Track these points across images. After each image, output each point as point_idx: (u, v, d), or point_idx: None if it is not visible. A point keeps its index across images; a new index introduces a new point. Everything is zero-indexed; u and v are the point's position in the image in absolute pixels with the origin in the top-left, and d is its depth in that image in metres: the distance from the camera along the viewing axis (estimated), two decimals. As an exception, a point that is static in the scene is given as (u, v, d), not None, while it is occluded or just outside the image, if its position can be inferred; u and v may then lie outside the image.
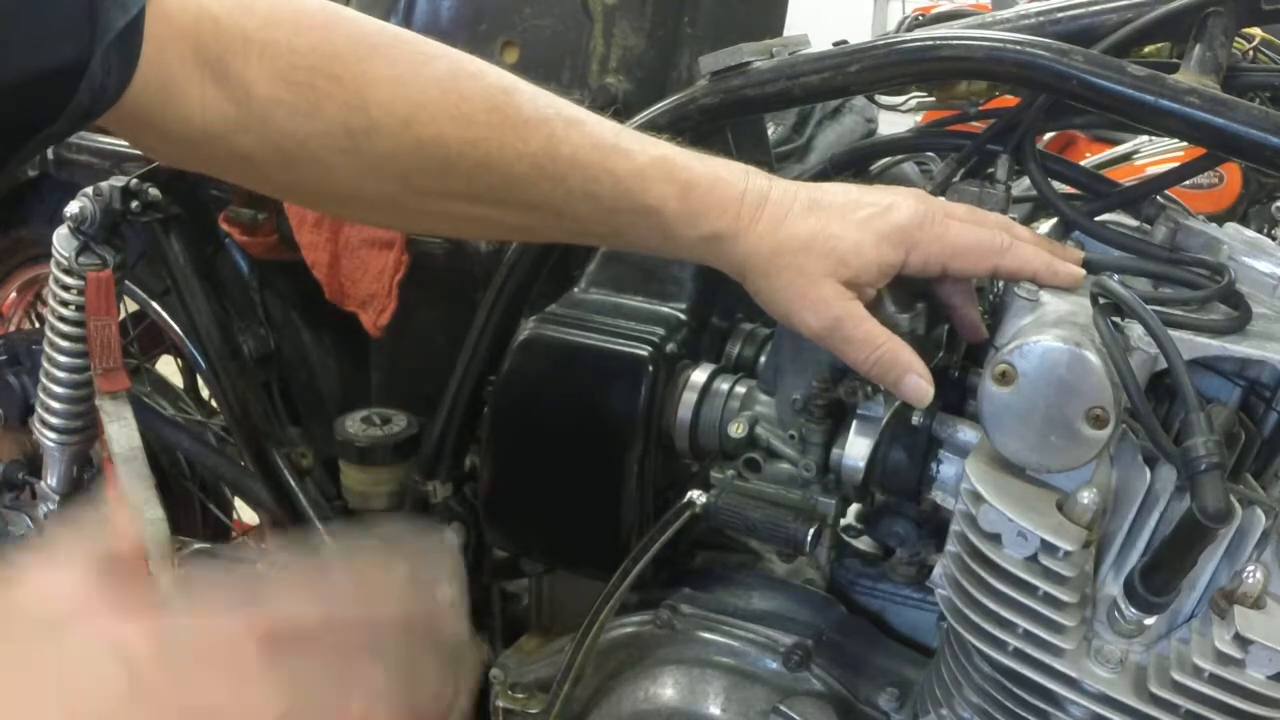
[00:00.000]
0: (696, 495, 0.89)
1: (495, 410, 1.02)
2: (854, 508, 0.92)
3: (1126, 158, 2.92)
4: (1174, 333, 0.68)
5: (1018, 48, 0.80)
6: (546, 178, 0.73)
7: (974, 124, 0.95)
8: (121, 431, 1.37)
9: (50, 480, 1.59)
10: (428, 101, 0.69)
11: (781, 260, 0.76)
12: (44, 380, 1.48)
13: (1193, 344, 0.70)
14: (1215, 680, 0.66)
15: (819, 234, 0.75)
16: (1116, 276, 0.76)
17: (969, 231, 0.77)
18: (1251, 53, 0.88)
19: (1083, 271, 0.78)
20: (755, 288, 0.79)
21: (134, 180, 1.27)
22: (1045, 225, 0.89)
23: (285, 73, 0.66)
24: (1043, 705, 0.72)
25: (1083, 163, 1.35)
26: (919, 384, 0.76)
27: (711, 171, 0.77)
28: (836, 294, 0.75)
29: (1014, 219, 0.98)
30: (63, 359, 1.45)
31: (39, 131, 0.62)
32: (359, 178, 0.70)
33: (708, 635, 0.94)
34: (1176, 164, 0.90)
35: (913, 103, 1.04)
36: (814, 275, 0.75)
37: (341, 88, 0.67)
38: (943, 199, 0.80)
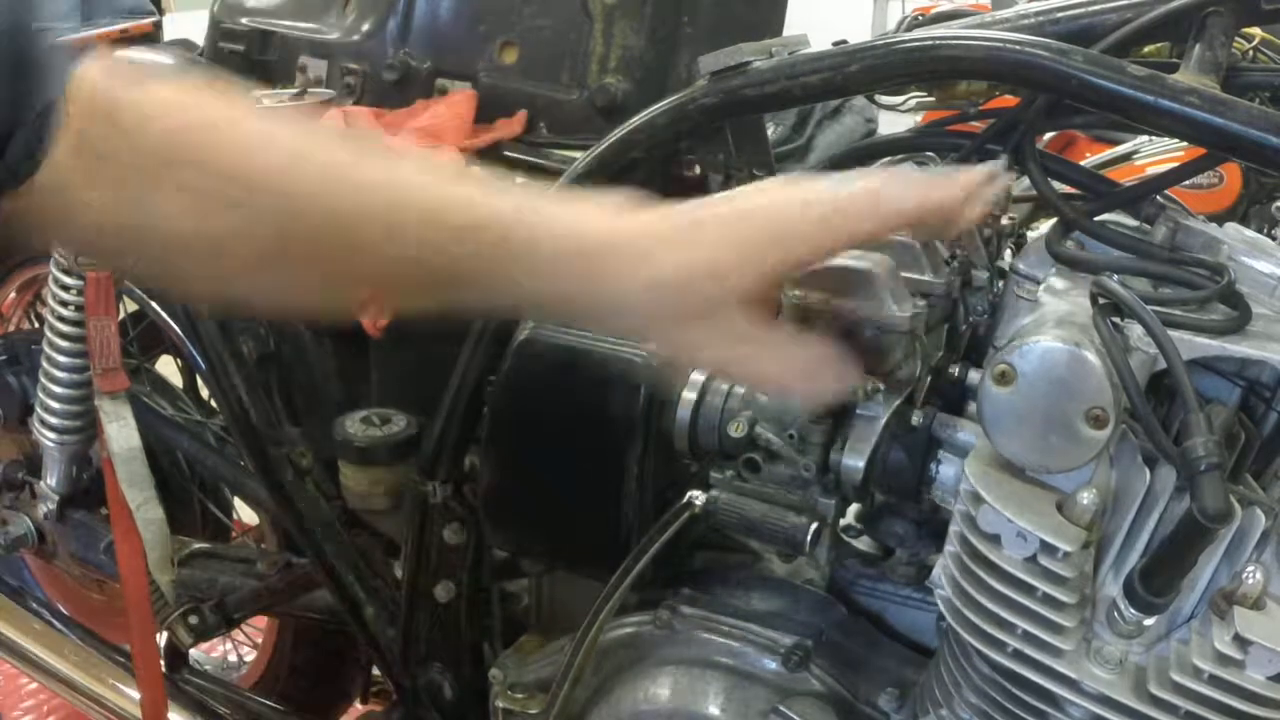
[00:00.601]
0: (696, 495, 0.89)
1: (495, 410, 1.02)
2: (854, 508, 0.92)
3: (1126, 158, 2.92)
4: (1174, 333, 0.68)
5: (1017, 48, 0.80)
6: (389, 244, 0.67)
7: (974, 124, 0.95)
8: (121, 431, 1.37)
9: (50, 480, 1.59)
10: (270, 171, 0.65)
11: (642, 310, 0.68)
12: (43, 380, 1.48)
13: (1193, 344, 0.70)
14: (1215, 681, 0.66)
15: (679, 271, 0.67)
16: (1116, 276, 0.76)
17: (835, 220, 0.69)
18: (1251, 53, 0.88)
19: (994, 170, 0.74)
20: (633, 337, 0.75)
21: (134, 180, 1.27)
22: (1045, 225, 0.89)
23: (149, 149, 0.62)
24: (1042, 706, 0.72)
25: (1083, 163, 1.36)
26: (825, 392, 0.74)
27: (546, 227, 0.68)
28: (710, 328, 0.69)
29: (1012, 217, 0.99)
30: (62, 359, 1.45)
31: None
32: (204, 260, 0.66)
33: (708, 635, 0.94)
34: (1176, 164, 0.90)
35: (913, 103, 1.04)
36: (681, 318, 0.69)
37: (204, 159, 0.63)
38: (810, 182, 0.71)
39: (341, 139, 0.69)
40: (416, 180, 0.69)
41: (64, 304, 1.42)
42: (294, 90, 1.32)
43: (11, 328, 1.84)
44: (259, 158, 0.65)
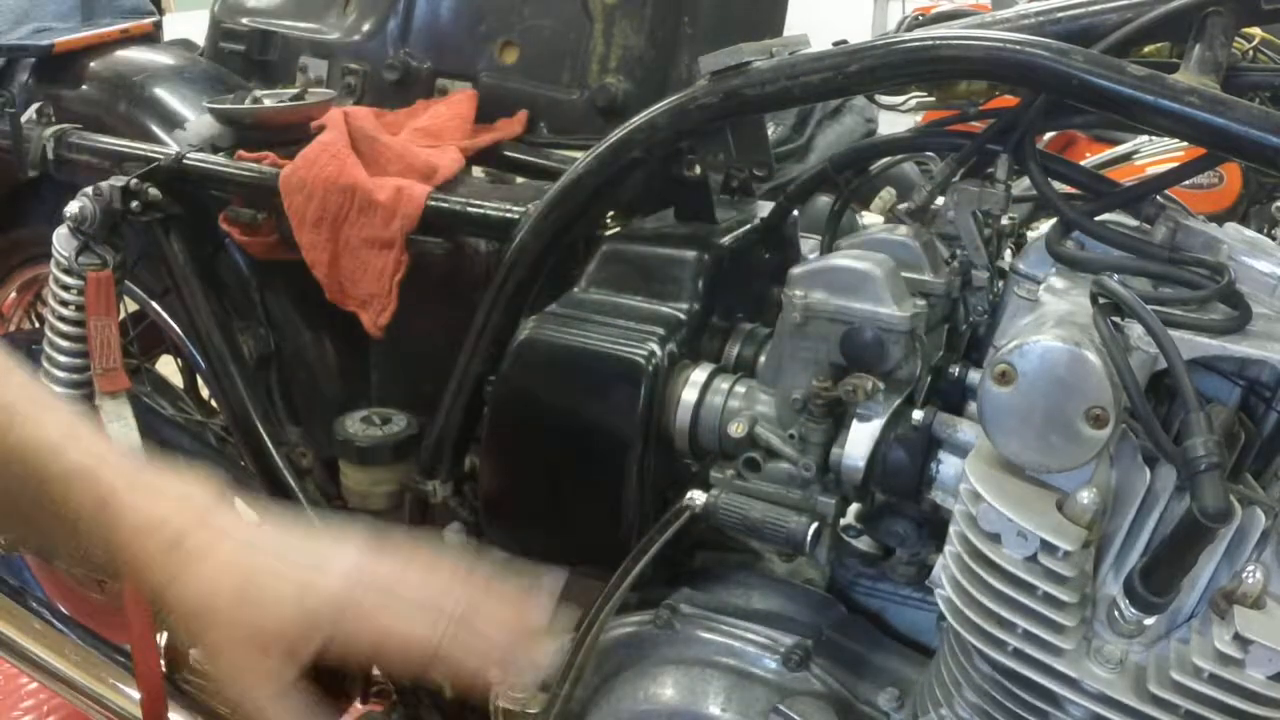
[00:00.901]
0: (696, 495, 0.90)
1: (495, 410, 1.02)
2: (854, 507, 0.92)
3: (1126, 158, 2.92)
4: (1174, 333, 0.68)
5: (1017, 48, 0.80)
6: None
7: (974, 124, 0.95)
8: (121, 431, 1.37)
9: (50, 480, 1.59)
10: None
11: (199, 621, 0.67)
12: (44, 380, 1.48)
13: (1193, 344, 0.70)
14: (1215, 680, 0.66)
15: (261, 599, 0.66)
16: (1116, 276, 0.76)
17: (403, 624, 0.67)
18: (1251, 53, 0.88)
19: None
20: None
21: (134, 180, 1.27)
22: (1045, 225, 0.89)
23: None
24: (1042, 705, 0.72)
25: (1083, 163, 1.35)
26: None
27: (138, 493, 0.67)
28: (251, 674, 0.66)
29: (1012, 217, 0.99)
30: (63, 359, 1.45)
31: None
32: None
33: (708, 635, 0.94)
34: (1176, 164, 0.90)
35: (913, 103, 1.04)
36: (237, 647, 0.66)
37: None
38: (389, 562, 0.69)
39: None
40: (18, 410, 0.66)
41: (64, 304, 1.41)
42: (294, 90, 1.32)
43: (11, 328, 1.84)
44: None
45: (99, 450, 0.67)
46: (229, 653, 0.66)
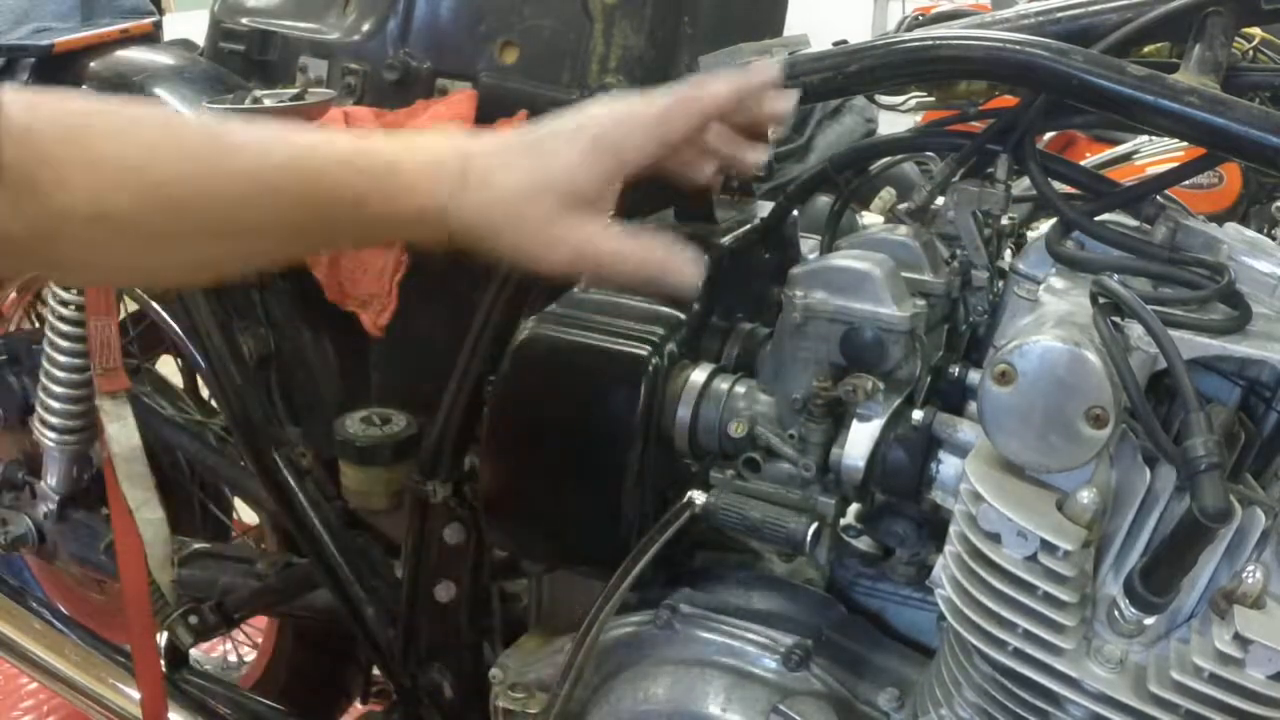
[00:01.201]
0: (696, 495, 0.89)
1: (495, 410, 1.02)
2: (854, 508, 0.92)
3: (1126, 158, 2.92)
4: (1174, 333, 0.68)
5: (1017, 48, 0.80)
6: (263, 194, 0.72)
7: (974, 124, 0.95)
8: (121, 431, 1.37)
9: (50, 480, 1.59)
10: (153, 145, 0.69)
11: (505, 214, 0.76)
12: (44, 380, 1.48)
13: (1193, 344, 0.70)
14: (1215, 680, 0.66)
15: (533, 175, 0.76)
16: (1116, 276, 0.76)
17: (662, 108, 0.79)
18: (1251, 53, 0.88)
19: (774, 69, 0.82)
20: (491, 248, 0.78)
21: (134, 180, 1.27)
22: (1045, 225, 0.89)
23: (41, 152, 0.65)
24: (1043, 705, 0.72)
25: (1083, 163, 1.35)
26: (684, 276, 0.78)
27: (406, 150, 0.77)
28: (570, 228, 0.76)
29: (1012, 217, 0.99)
30: (63, 359, 1.45)
31: None
32: (109, 238, 0.69)
33: (708, 635, 0.94)
34: (1176, 164, 0.90)
35: (913, 103, 1.04)
36: (542, 218, 0.76)
37: (80, 150, 0.66)
38: (634, 96, 0.81)
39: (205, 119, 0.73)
40: (275, 133, 0.74)
41: (64, 304, 1.42)
42: (294, 90, 1.32)
43: (11, 328, 1.84)
44: (127, 141, 0.68)
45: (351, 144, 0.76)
46: (536, 225, 0.76)
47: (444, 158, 0.77)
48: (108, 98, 0.73)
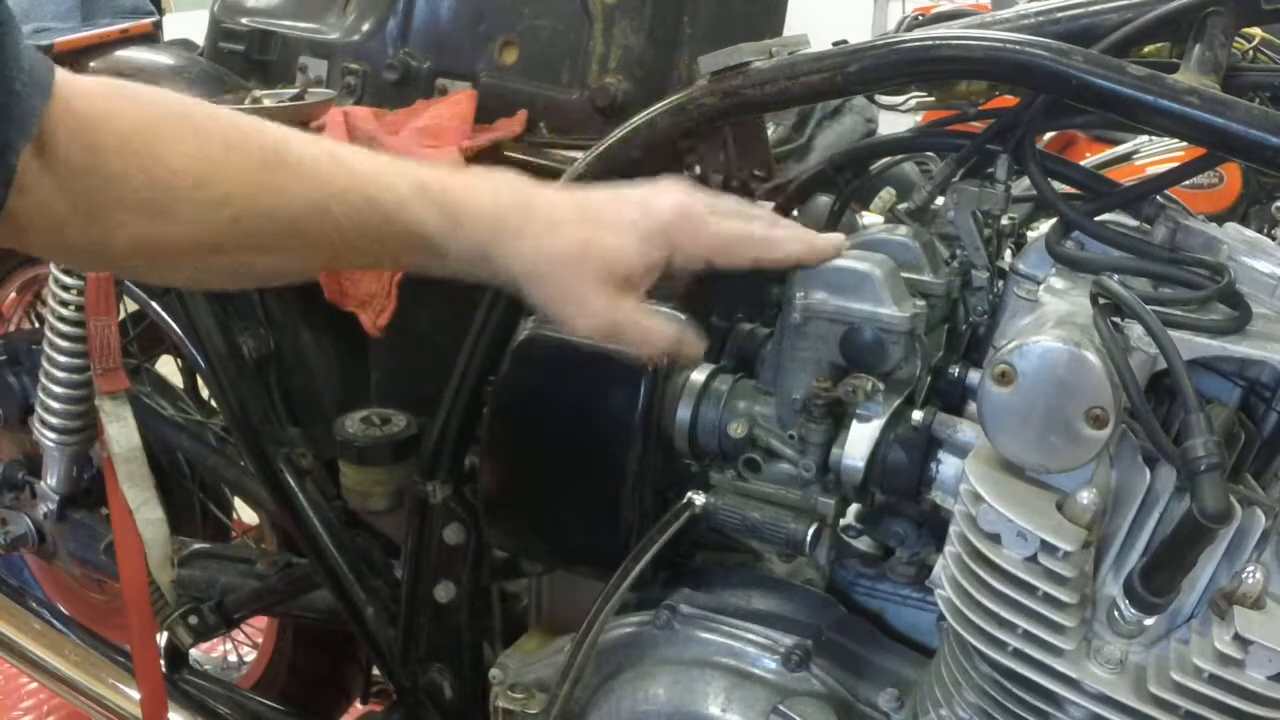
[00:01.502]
0: (696, 495, 0.90)
1: (495, 410, 1.02)
2: (854, 508, 0.92)
3: (1126, 158, 2.92)
4: (1174, 333, 0.68)
5: (1017, 48, 0.80)
6: (320, 216, 0.74)
7: (974, 124, 0.95)
8: (121, 431, 1.37)
9: (50, 480, 1.59)
10: (216, 161, 0.70)
11: (555, 268, 0.79)
12: (44, 380, 1.48)
13: (1193, 344, 0.70)
14: (1215, 681, 0.66)
15: (587, 244, 0.79)
16: (1116, 276, 0.76)
17: (727, 227, 0.83)
18: (1251, 53, 0.88)
19: (841, 237, 0.87)
20: (530, 297, 0.82)
21: (134, 180, 1.27)
22: (1045, 225, 0.89)
23: (98, 142, 0.66)
24: (1042, 705, 0.72)
25: (1083, 163, 1.35)
26: (693, 352, 0.87)
27: (472, 190, 0.80)
28: (609, 301, 0.79)
29: (1012, 217, 0.99)
30: (62, 359, 1.45)
31: None
32: (160, 238, 0.70)
33: (708, 635, 0.94)
34: (1176, 164, 0.90)
35: (913, 103, 1.04)
36: (586, 285, 0.79)
37: (144, 154, 0.67)
38: (705, 194, 0.85)
39: (266, 129, 0.74)
40: (340, 157, 0.77)
41: (64, 304, 1.42)
42: (294, 90, 1.32)
43: (11, 328, 1.84)
44: (192, 154, 0.69)
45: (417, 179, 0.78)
46: (578, 290, 0.79)
47: (505, 208, 0.79)
48: (180, 98, 0.73)
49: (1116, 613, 0.70)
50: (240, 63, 1.42)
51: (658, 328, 0.82)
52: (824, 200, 1.11)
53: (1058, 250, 0.82)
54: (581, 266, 0.79)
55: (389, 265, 0.89)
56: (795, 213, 1.10)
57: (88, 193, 0.66)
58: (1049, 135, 2.67)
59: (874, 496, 0.89)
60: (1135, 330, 0.69)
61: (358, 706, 1.75)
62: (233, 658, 1.95)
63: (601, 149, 0.98)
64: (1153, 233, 0.81)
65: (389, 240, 0.78)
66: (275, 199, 0.72)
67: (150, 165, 0.67)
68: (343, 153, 0.78)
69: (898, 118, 1.18)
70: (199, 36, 1.50)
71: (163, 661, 1.48)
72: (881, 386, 0.84)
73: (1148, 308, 0.68)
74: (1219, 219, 0.85)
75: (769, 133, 1.17)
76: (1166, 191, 0.85)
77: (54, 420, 1.50)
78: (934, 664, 0.84)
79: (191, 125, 0.70)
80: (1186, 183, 1.00)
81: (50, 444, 1.53)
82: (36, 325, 1.81)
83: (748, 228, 0.84)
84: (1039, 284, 0.82)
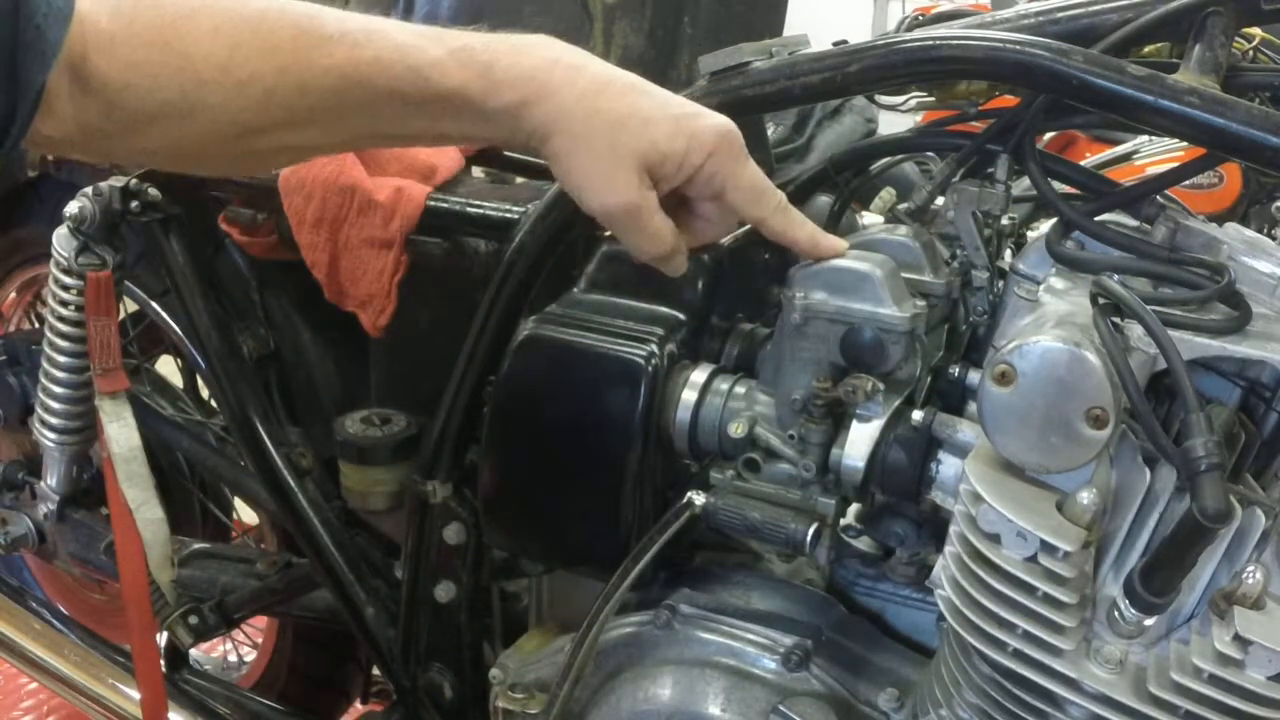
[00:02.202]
0: (696, 495, 0.89)
1: (495, 410, 1.02)
2: (854, 508, 0.92)
3: (1126, 158, 2.92)
4: (1174, 333, 0.68)
5: (1017, 48, 0.80)
6: (354, 85, 0.74)
7: (974, 124, 0.95)
8: (121, 431, 1.37)
9: (50, 480, 1.59)
10: (241, 43, 0.71)
11: (593, 129, 0.77)
12: (44, 380, 1.48)
13: (1193, 344, 0.70)
14: (1215, 681, 0.66)
15: (636, 114, 0.77)
16: (1116, 276, 0.76)
17: (759, 176, 0.83)
18: (1251, 53, 0.88)
19: (844, 245, 0.86)
20: (556, 151, 0.79)
21: (133, 180, 1.27)
22: (1045, 225, 0.89)
23: (129, 57, 0.68)
24: (1042, 706, 0.72)
25: (1083, 163, 1.35)
26: (677, 269, 0.87)
27: (517, 46, 0.79)
28: (639, 180, 0.78)
29: (1012, 217, 0.99)
30: (62, 359, 1.45)
31: None
32: (200, 132, 0.72)
33: (708, 635, 0.94)
34: (1176, 164, 0.90)
35: (913, 103, 1.04)
36: (623, 155, 0.77)
37: (172, 54, 0.69)
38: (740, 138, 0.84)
39: (296, 7, 0.75)
40: (369, 26, 0.76)
41: (64, 304, 1.41)
42: (294, 90, 1.32)
43: (11, 328, 1.84)
44: (218, 40, 0.70)
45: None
46: (608, 160, 0.77)
47: (554, 60, 0.78)
48: None
49: (1116, 613, 0.70)
50: (240, 63, 1.42)
51: (668, 230, 0.81)
52: (824, 200, 1.11)
53: (1058, 250, 0.82)
54: (618, 136, 0.77)
55: (431, 138, 0.87)
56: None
57: (125, 106, 0.68)
58: (1049, 135, 2.67)
59: (874, 496, 0.89)
60: (1135, 330, 0.69)
61: (358, 706, 1.75)
62: (233, 658, 1.95)
63: (601, 149, 0.98)
64: (1153, 233, 0.81)
65: (430, 105, 0.77)
66: (307, 72, 0.72)
67: (181, 66, 0.69)
68: (376, 24, 0.77)
69: (898, 118, 1.18)
70: (199, 36, 1.49)
71: (163, 661, 1.48)
72: (881, 386, 0.84)
73: (1148, 308, 0.68)
74: (1219, 219, 0.85)
75: (769, 133, 1.18)
76: (1166, 191, 0.85)
77: (54, 420, 1.50)
78: (934, 664, 0.84)
79: (213, 17, 0.71)
80: (1186, 183, 1.00)
81: (50, 444, 1.53)
82: (36, 325, 1.81)
83: (772, 189, 0.84)
84: (1039, 284, 0.82)
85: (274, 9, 0.74)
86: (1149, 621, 0.70)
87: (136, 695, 1.49)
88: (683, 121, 0.79)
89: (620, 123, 0.77)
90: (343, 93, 0.74)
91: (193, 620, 1.43)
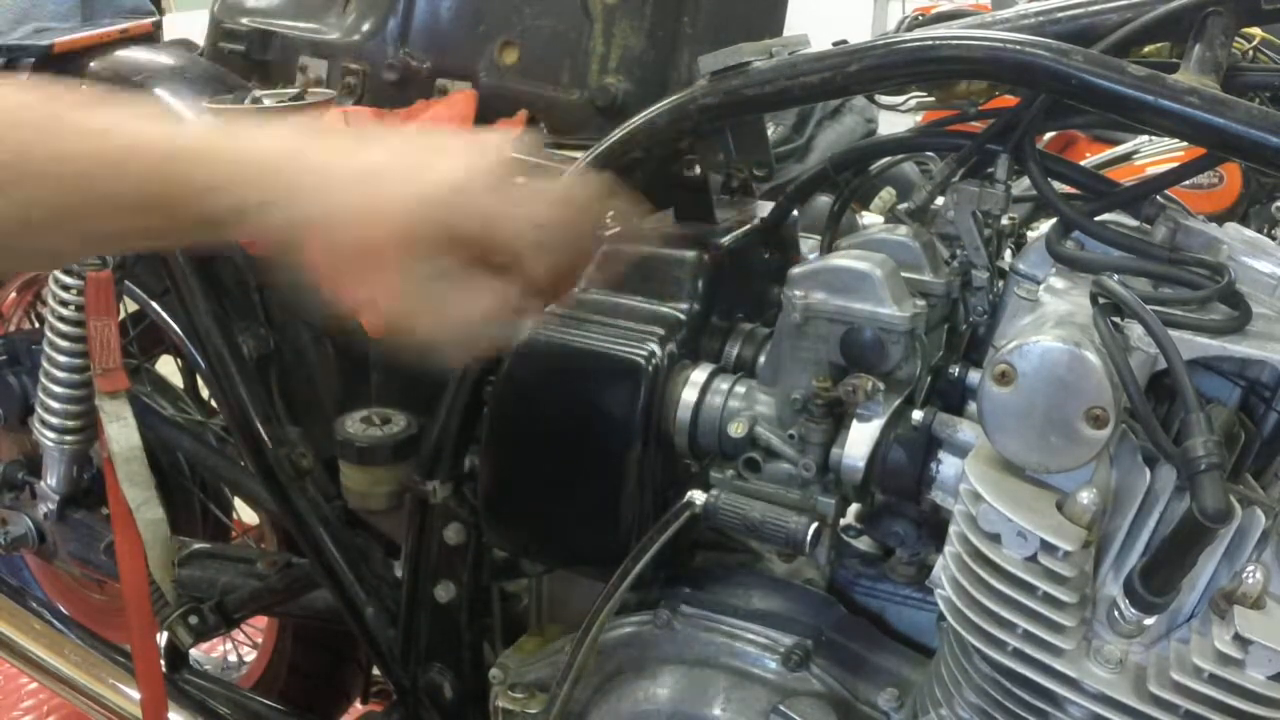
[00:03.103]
0: (696, 495, 0.90)
1: (495, 410, 1.02)
2: (854, 508, 0.92)
3: (1126, 158, 2.92)
4: (1174, 333, 0.68)
5: (1017, 48, 0.80)
6: (104, 173, 0.68)
7: (974, 124, 0.95)
8: (121, 431, 1.37)
9: (50, 480, 1.59)
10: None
11: (313, 236, 0.71)
12: (44, 380, 1.48)
13: (1193, 344, 0.70)
14: (1215, 680, 0.66)
15: (361, 211, 0.70)
16: (1116, 276, 0.76)
17: (508, 208, 0.73)
18: (1251, 53, 0.88)
19: None
20: (291, 265, 0.73)
21: (134, 180, 1.27)
22: (1045, 225, 0.89)
23: None
24: (1042, 705, 0.72)
25: (1083, 163, 1.35)
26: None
27: (252, 143, 0.72)
28: (367, 275, 0.71)
29: (1012, 217, 0.99)
30: (62, 359, 1.45)
31: None
32: None
33: (708, 635, 0.94)
34: (1176, 164, 0.90)
35: (913, 103, 1.04)
36: (347, 255, 0.71)
37: None
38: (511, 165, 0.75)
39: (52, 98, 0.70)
40: (126, 115, 0.70)
41: (64, 304, 1.42)
42: (294, 90, 1.32)
43: (11, 328, 1.84)
44: None
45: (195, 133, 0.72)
46: (344, 261, 0.71)
47: (280, 163, 0.71)
48: None
49: (1116, 612, 0.70)
50: (240, 63, 1.42)
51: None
52: (824, 200, 1.11)
53: (1058, 250, 0.82)
54: (351, 230, 0.70)
55: (189, 235, 0.81)
56: (795, 213, 1.10)
57: None
58: (1049, 135, 2.68)
59: (874, 496, 0.89)
60: (1135, 330, 0.69)
61: (358, 706, 1.75)
62: (233, 658, 1.95)
63: (601, 149, 0.98)
64: (1153, 233, 0.81)
65: (177, 207, 0.69)
66: (52, 155, 0.67)
67: None
68: (134, 114, 0.71)
69: (898, 118, 1.18)
70: (199, 36, 1.50)
71: (163, 661, 1.48)
72: (881, 386, 0.84)
73: (1148, 308, 0.68)
74: (1219, 219, 0.85)
75: (769, 133, 1.18)
76: (1166, 191, 0.85)
77: (54, 420, 1.50)
78: (934, 664, 0.84)
79: None
80: (1186, 183, 1.00)
81: (50, 444, 1.53)
82: (36, 325, 1.81)
83: (536, 209, 0.74)
84: (1039, 284, 0.82)
85: (31, 92, 0.69)
86: (1149, 621, 0.70)
87: (136, 695, 1.49)
88: (415, 193, 0.71)
89: (352, 224, 0.71)
90: (96, 181, 0.68)
91: (193, 620, 1.43)
